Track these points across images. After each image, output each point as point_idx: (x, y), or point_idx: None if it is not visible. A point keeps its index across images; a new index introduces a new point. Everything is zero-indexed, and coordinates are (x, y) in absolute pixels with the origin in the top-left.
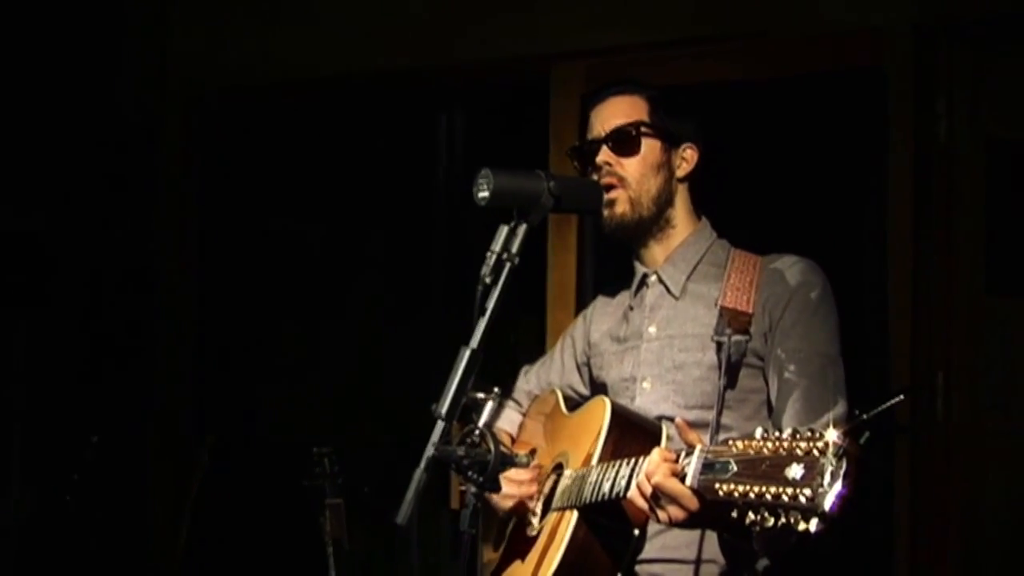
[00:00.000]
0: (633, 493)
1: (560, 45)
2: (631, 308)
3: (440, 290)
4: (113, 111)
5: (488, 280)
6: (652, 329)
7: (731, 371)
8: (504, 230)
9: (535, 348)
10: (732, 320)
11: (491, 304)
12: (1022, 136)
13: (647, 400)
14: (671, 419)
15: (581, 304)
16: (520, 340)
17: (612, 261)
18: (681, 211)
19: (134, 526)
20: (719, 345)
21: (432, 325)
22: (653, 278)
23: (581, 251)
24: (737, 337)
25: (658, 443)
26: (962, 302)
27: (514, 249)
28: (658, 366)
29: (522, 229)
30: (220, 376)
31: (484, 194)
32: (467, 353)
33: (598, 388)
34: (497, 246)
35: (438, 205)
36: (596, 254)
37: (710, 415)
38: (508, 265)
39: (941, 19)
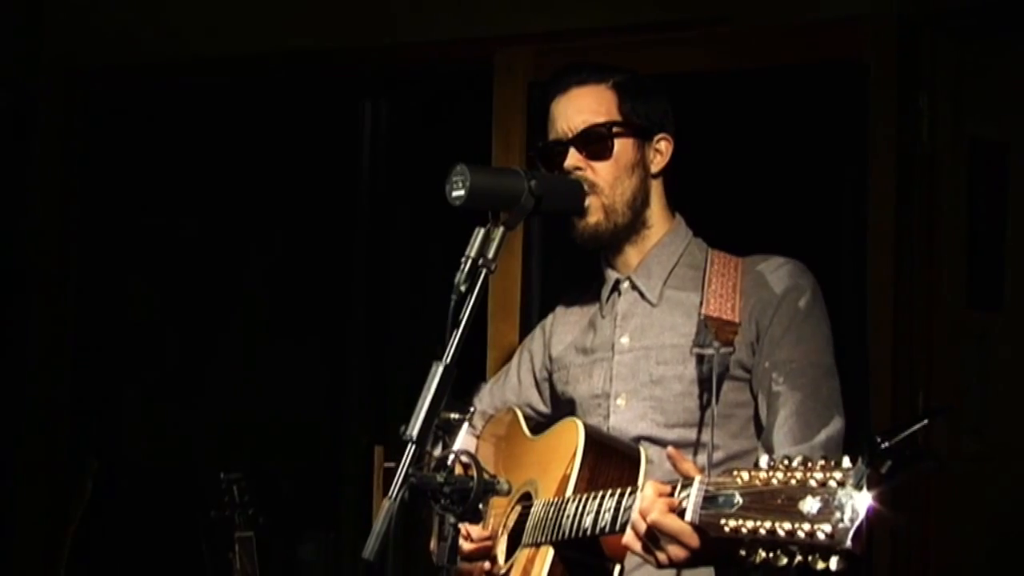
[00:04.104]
0: (629, 536)
1: (505, 27)
2: (601, 316)
3: (361, 300)
4: None
5: (463, 288)
6: (624, 340)
7: (715, 386)
8: (480, 233)
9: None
10: (718, 331)
11: (465, 315)
12: (1005, 137)
13: (622, 419)
14: (649, 439)
15: (526, 314)
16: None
17: (562, 266)
18: (656, 208)
19: None
20: (700, 357)
21: (346, 340)
22: (626, 284)
23: (527, 255)
24: (724, 349)
25: (637, 468)
26: (945, 316)
27: (491, 255)
28: (633, 380)
29: (499, 233)
30: (101, 392)
31: (459, 193)
32: (440, 369)
33: (563, 405)
34: (473, 251)
35: (359, 205)
36: (543, 258)
37: (693, 434)
38: (484, 272)
39: (925, 7)
